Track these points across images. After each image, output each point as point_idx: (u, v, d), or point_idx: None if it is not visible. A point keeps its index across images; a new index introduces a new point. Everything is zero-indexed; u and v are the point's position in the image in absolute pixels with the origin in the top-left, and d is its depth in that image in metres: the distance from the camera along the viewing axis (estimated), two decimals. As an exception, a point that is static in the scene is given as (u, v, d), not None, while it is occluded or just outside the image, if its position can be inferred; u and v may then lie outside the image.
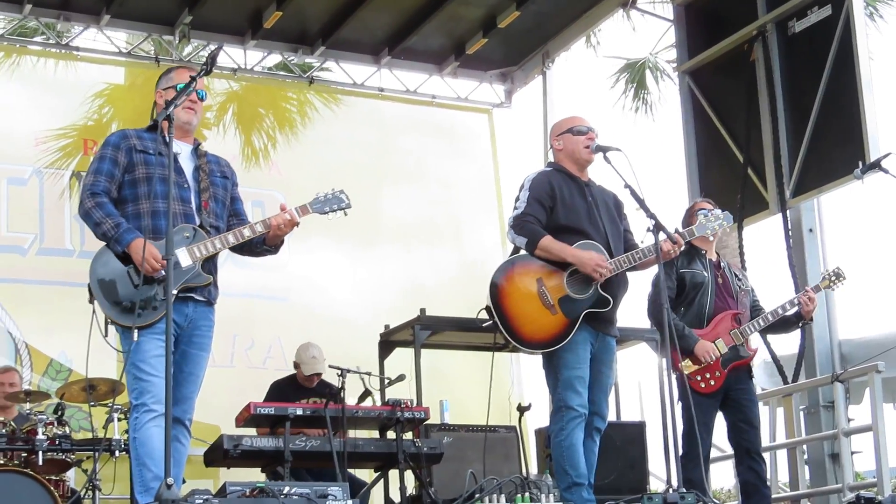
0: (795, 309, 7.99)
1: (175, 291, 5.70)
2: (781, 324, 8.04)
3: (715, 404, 7.61)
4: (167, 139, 5.73)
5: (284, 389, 9.46)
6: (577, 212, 6.80)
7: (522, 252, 6.79)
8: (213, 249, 5.94)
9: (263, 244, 6.20)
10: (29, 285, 11.12)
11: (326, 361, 9.36)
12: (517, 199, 6.87)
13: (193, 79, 5.80)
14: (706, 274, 7.75)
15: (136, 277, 5.70)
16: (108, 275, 5.81)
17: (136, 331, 5.65)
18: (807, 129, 10.07)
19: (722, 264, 7.95)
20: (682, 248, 6.94)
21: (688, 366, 7.50)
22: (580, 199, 6.85)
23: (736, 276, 8.00)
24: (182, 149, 6.10)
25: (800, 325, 8.26)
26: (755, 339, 8.44)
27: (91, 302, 5.83)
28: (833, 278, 8.26)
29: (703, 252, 7.83)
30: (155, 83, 6.30)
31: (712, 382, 7.56)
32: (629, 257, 6.76)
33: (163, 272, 5.63)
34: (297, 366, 9.70)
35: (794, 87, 10.37)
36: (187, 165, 6.09)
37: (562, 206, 6.78)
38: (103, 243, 5.90)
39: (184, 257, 5.84)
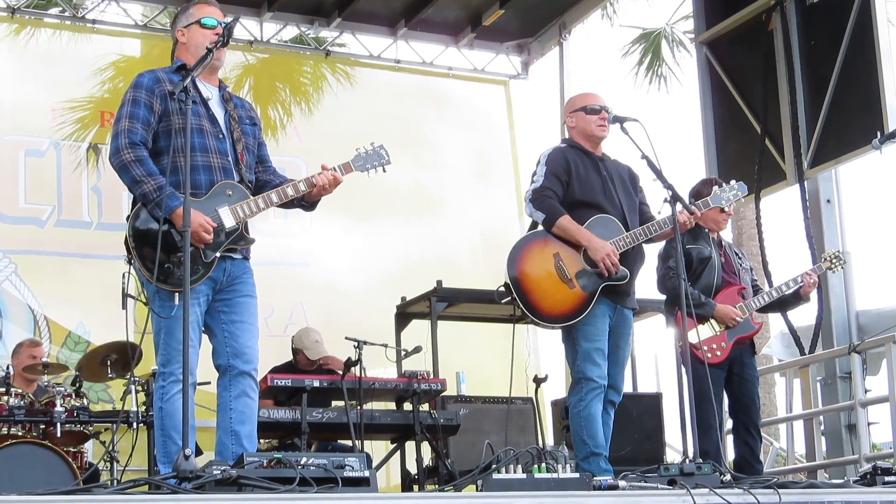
0: (796, 287, 8.02)
1: (218, 254, 5.58)
2: (779, 303, 8.06)
3: (722, 375, 7.69)
4: (198, 86, 5.62)
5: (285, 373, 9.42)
6: (592, 186, 6.83)
7: (539, 228, 6.82)
8: (257, 209, 5.70)
9: (302, 200, 5.93)
10: (47, 256, 11.15)
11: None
12: (534, 174, 6.91)
13: (210, 51, 5.62)
14: (711, 249, 7.81)
15: (179, 238, 5.38)
16: (149, 233, 5.49)
17: (176, 294, 5.41)
18: (825, 100, 10.02)
19: (724, 243, 8.04)
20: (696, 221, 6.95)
21: (704, 331, 7.57)
22: (595, 173, 6.89)
23: (737, 254, 8.09)
24: (211, 93, 5.84)
25: (797, 304, 8.29)
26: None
27: (129, 261, 5.56)
28: (833, 260, 8.28)
29: (707, 230, 7.88)
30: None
31: (718, 353, 7.65)
32: (645, 230, 6.78)
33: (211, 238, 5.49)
34: (296, 352, 9.60)
35: (812, 57, 10.31)
36: (219, 113, 5.82)
37: (577, 181, 6.82)
38: (133, 202, 5.63)
39: (227, 218, 5.61)
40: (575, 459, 6.49)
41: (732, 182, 7.43)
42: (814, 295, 8.57)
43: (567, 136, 7.15)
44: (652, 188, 6.81)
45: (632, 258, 6.80)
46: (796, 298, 8.15)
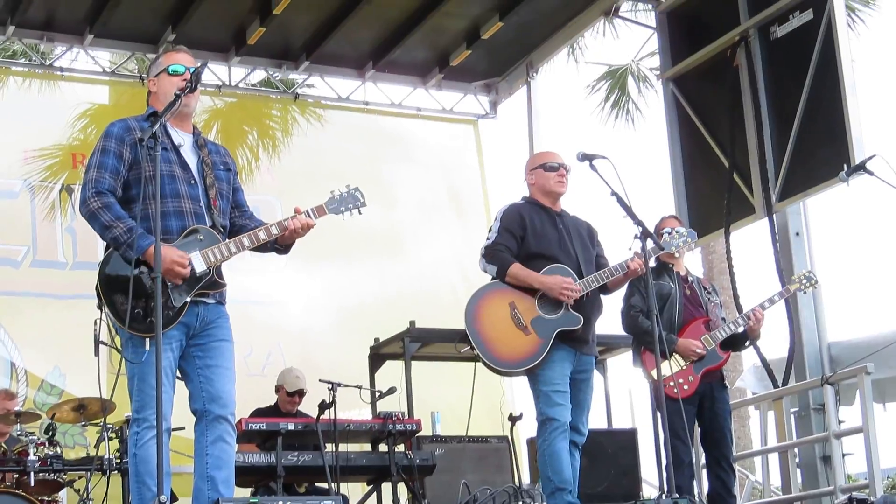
0: (742, 328, 8.03)
1: (188, 298, 5.55)
2: (731, 342, 8.06)
3: (692, 410, 7.71)
4: (169, 133, 5.64)
5: (268, 416, 9.45)
6: (547, 239, 6.99)
7: (496, 279, 6.93)
8: (229, 254, 5.67)
9: (275, 243, 5.91)
10: (23, 297, 11.18)
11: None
12: (489, 230, 7.12)
13: (178, 97, 5.65)
14: (673, 285, 7.89)
15: (150, 282, 5.36)
16: (119, 279, 5.44)
17: (147, 340, 5.39)
18: (791, 133, 10.11)
19: (690, 278, 8.12)
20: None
21: (673, 365, 7.62)
22: (551, 227, 7.05)
23: (705, 289, 8.14)
24: (184, 140, 5.82)
25: (746, 345, 8.32)
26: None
27: (99, 308, 5.53)
28: (805, 282, 8.34)
29: (671, 266, 7.97)
30: (142, 101, 6.19)
31: (685, 387, 7.67)
32: (597, 276, 6.92)
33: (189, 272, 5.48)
34: (279, 389, 9.74)
35: (778, 91, 10.40)
36: (191, 159, 5.80)
37: (532, 235, 6.98)
38: (106, 247, 5.59)
39: (198, 262, 5.57)
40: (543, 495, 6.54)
41: (681, 228, 7.62)
42: (784, 328, 8.60)
43: (528, 193, 7.28)
44: (622, 225, 6.87)
45: (588, 306, 6.93)
46: (745, 337, 8.16)
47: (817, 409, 9.74)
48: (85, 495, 8.38)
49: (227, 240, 5.76)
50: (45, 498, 8.18)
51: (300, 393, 9.69)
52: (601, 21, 13.06)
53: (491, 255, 6.95)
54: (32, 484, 8.03)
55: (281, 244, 5.96)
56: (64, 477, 8.42)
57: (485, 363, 6.83)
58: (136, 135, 5.67)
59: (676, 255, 7.73)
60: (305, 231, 5.89)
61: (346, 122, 13.28)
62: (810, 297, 9.77)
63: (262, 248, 5.91)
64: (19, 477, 8.10)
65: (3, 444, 8.34)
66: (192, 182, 5.76)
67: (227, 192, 5.93)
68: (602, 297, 7.08)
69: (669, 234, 7.51)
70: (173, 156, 5.73)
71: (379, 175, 12.91)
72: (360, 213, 6.10)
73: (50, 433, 8.43)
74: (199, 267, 5.61)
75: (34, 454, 8.09)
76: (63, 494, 8.75)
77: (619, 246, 7.08)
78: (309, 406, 9.22)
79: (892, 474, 15.60)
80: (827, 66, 9.80)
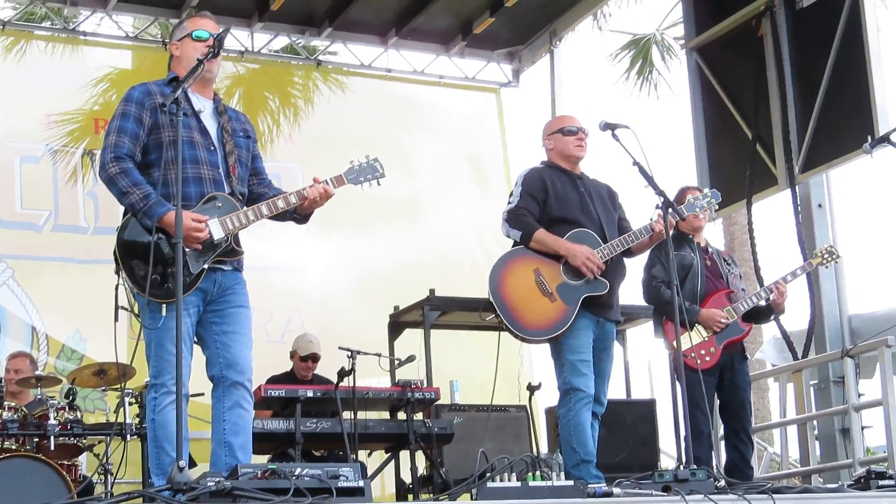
0: (766, 299, 8.02)
1: (205, 265, 5.56)
2: (755, 314, 8.05)
3: (713, 381, 7.71)
4: (190, 98, 5.63)
5: (282, 383, 9.46)
6: (569, 203, 6.95)
7: (520, 245, 6.90)
8: (247, 221, 5.68)
9: (293, 213, 5.93)
10: (44, 262, 11.23)
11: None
12: (511, 195, 7.07)
13: (201, 62, 5.63)
14: (694, 256, 7.85)
15: (168, 249, 5.42)
16: (137, 245, 5.49)
17: (164, 305, 5.43)
18: (815, 105, 10.04)
19: (710, 249, 8.09)
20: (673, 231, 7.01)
21: (693, 337, 7.61)
22: (573, 191, 7.01)
23: (725, 260, 8.12)
24: (204, 105, 5.83)
25: (770, 318, 8.31)
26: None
27: (117, 273, 5.56)
28: (826, 256, 8.31)
29: (691, 237, 7.93)
30: (164, 66, 6.18)
31: (707, 359, 7.68)
32: (622, 240, 6.89)
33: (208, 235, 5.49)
34: (293, 355, 9.74)
35: (803, 62, 10.33)
36: (211, 125, 5.81)
37: (554, 199, 6.94)
38: (124, 213, 5.62)
39: (216, 229, 5.57)
40: (567, 467, 6.51)
41: (706, 190, 7.57)
42: (805, 300, 8.59)
43: (546, 157, 7.23)
44: (643, 195, 6.85)
45: (612, 271, 6.90)
46: (769, 311, 8.15)
47: (837, 381, 9.73)
48: (104, 460, 8.41)
49: (246, 208, 5.77)
50: (65, 462, 8.21)
51: (313, 357, 9.66)
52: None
53: (514, 219, 6.91)
54: (52, 448, 8.06)
55: (300, 213, 5.97)
56: (84, 441, 8.45)
57: (510, 331, 6.79)
58: (156, 99, 5.69)
59: (701, 217, 7.64)
60: (324, 200, 5.89)
61: (368, 90, 13.24)
62: (831, 269, 9.72)
63: (280, 216, 5.91)
64: (39, 441, 8.13)
65: (24, 408, 8.38)
66: (212, 148, 5.77)
67: (246, 160, 5.94)
68: (625, 260, 7.04)
69: (694, 197, 7.47)
70: (193, 122, 5.73)
71: (400, 143, 12.88)
72: (378, 183, 6.10)
73: (70, 398, 8.47)
74: (217, 234, 5.61)
75: (54, 418, 8.12)
76: (83, 459, 8.79)
77: (641, 216, 7.08)
78: (326, 371, 9.22)
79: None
80: (852, 37, 9.72)
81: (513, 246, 7.00)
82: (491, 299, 6.79)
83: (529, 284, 6.77)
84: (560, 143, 7.09)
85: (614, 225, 7.03)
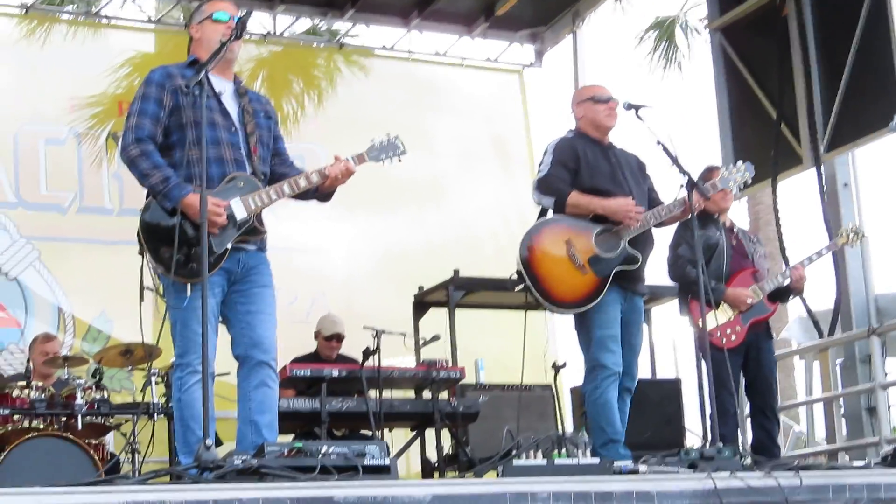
0: (785, 280, 8.01)
1: (228, 245, 5.57)
2: (777, 293, 8.02)
3: (738, 360, 7.69)
4: (210, 80, 5.61)
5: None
6: (601, 173, 6.85)
7: (549, 215, 6.85)
8: (269, 201, 5.68)
9: (316, 192, 5.93)
10: (70, 243, 11.30)
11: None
12: (541, 164, 6.96)
13: (224, 45, 5.60)
14: (720, 235, 7.82)
15: (191, 230, 5.45)
16: (159, 226, 5.53)
17: (189, 285, 5.46)
18: (840, 84, 10.00)
19: (735, 229, 8.05)
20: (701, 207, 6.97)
21: (719, 316, 7.59)
22: (604, 161, 6.91)
23: (751, 240, 8.09)
24: (225, 87, 5.83)
25: (790, 297, 8.27)
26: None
27: (141, 254, 5.61)
28: (852, 236, 8.30)
29: (717, 216, 7.88)
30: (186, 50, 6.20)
31: (733, 338, 7.67)
32: (655, 213, 6.82)
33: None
34: (317, 335, 9.73)
35: (827, 41, 10.28)
36: (232, 106, 5.82)
37: (586, 169, 6.83)
38: (147, 194, 5.64)
39: (239, 209, 5.59)
40: (594, 445, 6.50)
41: (739, 163, 7.41)
42: (831, 280, 8.56)
43: (575, 126, 7.13)
44: (668, 175, 6.83)
45: (642, 243, 6.82)
46: (789, 291, 8.13)
47: (863, 360, 9.71)
48: (132, 439, 8.46)
49: (268, 187, 5.78)
50: (92, 441, 8.26)
51: (337, 337, 9.66)
52: (649, -31, 12.92)
53: (546, 186, 6.79)
54: (80, 427, 8.12)
55: (322, 192, 5.97)
56: (111, 421, 8.51)
57: (541, 302, 6.72)
58: (176, 81, 5.70)
59: (735, 190, 7.58)
60: (345, 178, 5.89)
61: (391, 71, 13.23)
62: (857, 248, 9.70)
63: (303, 195, 5.92)
64: (67, 420, 8.18)
65: (51, 388, 8.43)
66: (233, 130, 5.79)
67: (267, 140, 5.95)
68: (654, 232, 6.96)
69: (728, 169, 7.36)
70: (214, 103, 5.74)
71: (422, 124, 12.86)
72: (399, 160, 6.10)
73: (97, 377, 8.52)
74: (240, 213, 5.63)
75: (81, 398, 8.17)
76: (109, 438, 8.84)
77: (665, 196, 7.05)
78: (351, 351, 9.23)
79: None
80: (878, 15, 9.68)
81: (541, 215, 6.94)
82: (521, 270, 6.71)
83: (561, 256, 6.68)
84: (591, 111, 6.97)
85: (645, 196, 6.95)
